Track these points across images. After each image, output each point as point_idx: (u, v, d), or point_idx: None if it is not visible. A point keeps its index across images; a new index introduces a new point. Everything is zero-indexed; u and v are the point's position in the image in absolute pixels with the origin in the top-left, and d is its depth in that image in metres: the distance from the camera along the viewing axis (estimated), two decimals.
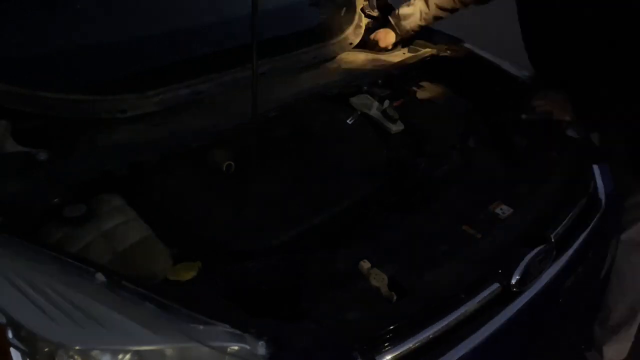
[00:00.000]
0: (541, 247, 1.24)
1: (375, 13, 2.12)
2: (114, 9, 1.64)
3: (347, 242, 1.23)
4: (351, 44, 2.00)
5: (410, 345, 1.06)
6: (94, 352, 0.93)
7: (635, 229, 1.79)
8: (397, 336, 1.06)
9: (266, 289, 1.14)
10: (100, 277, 0.98)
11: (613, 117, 1.62)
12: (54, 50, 1.51)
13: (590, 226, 1.46)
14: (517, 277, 1.20)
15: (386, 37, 2.03)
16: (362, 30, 2.04)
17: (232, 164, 1.46)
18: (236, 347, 0.94)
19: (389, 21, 2.01)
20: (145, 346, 0.93)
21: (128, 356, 0.93)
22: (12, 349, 0.95)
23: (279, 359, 0.95)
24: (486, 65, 1.91)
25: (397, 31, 2.00)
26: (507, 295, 1.23)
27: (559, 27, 1.64)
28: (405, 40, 2.05)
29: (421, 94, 1.90)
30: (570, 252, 1.38)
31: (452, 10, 1.96)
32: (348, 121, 1.67)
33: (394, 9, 2.05)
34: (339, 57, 1.96)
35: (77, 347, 0.92)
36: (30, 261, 1.00)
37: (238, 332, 0.95)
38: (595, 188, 1.57)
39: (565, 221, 1.39)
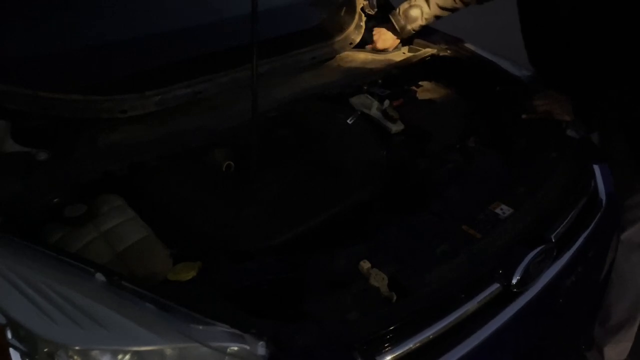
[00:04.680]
0: (541, 247, 1.24)
1: (373, 12, 2.11)
2: (114, 10, 1.64)
3: (347, 242, 1.23)
4: (351, 43, 2.00)
5: (410, 345, 1.06)
6: (94, 352, 0.93)
7: (635, 229, 1.79)
8: (397, 336, 1.06)
9: (266, 289, 1.14)
10: (100, 277, 0.98)
11: (614, 117, 1.62)
12: (54, 50, 1.51)
13: (591, 226, 1.46)
14: (517, 277, 1.20)
15: (386, 37, 2.02)
16: (363, 30, 2.04)
17: (232, 163, 1.46)
18: (236, 347, 0.94)
19: (390, 20, 2.01)
20: (145, 346, 0.93)
21: (128, 356, 0.93)
22: (11, 349, 0.95)
23: (279, 359, 0.95)
24: (486, 64, 1.90)
25: (399, 31, 2.00)
26: (507, 296, 1.22)
27: (558, 26, 1.64)
28: (404, 39, 2.05)
29: (421, 94, 1.90)
30: (570, 252, 1.38)
31: (452, 10, 1.96)
32: (348, 121, 1.67)
33: (393, 8, 2.05)
34: (339, 56, 1.96)
35: (77, 347, 0.92)
36: (30, 261, 1.00)
37: (238, 332, 0.95)
38: (596, 188, 1.56)
39: (565, 221, 1.38)
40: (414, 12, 1.96)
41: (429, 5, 1.94)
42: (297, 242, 1.28)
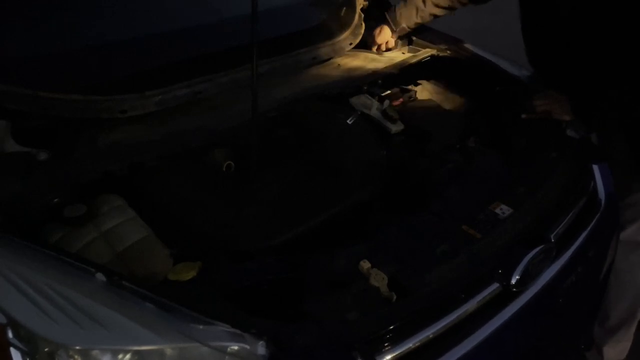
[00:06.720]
0: (541, 247, 1.24)
1: (364, 3, 2.10)
2: (114, 10, 1.64)
3: (347, 242, 1.23)
4: (351, 44, 2.00)
5: (410, 345, 1.06)
6: (94, 352, 0.93)
7: (634, 228, 1.79)
8: (397, 336, 1.06)
9: (266, 289, 1.14)
10: (100, 277, 0.98)
11: (614, 117, 1.62)
12: (54, 50, 1.51)
13: (590, 226, 1.46)
14: (517, 277, 1.20)
15: (382, 33, 2.02)
16: (362, 30, 2.04)
17: (232, 163, 1.46)
18: (236, 347, 0.95)
19: (385, 17, 2.01)
20: (145, 346, 0.94)
21: (128, 356, 0.94)
22: (12, 349, 0.95)
23: (279, 359, 0.95)
24: (486, 64, 1.90)
25: (393, 27, 2.00)
26: (507, 295, 1.23)
27: (558, 26, 1.64)
28: (402, 37, 2.04)
29: (421, 94, 1.90)
30: (570, 252, 1.38)
31: (449, 8, 1.96)
32: (348, 121, 1.67)
33: (391, 5, 2.05)
34: (338, 57, 1.96)
35: (77, 347, 0.92)
36: (30, 261, 1.00)
37: (238, 332, 0.95)
38: (595, 188, 1.56)
39: (565, 221, 1.39)
40: (409, 11, 1.96)
41: (424, 3, 1.94)
42: (297, 242, 1.28)
